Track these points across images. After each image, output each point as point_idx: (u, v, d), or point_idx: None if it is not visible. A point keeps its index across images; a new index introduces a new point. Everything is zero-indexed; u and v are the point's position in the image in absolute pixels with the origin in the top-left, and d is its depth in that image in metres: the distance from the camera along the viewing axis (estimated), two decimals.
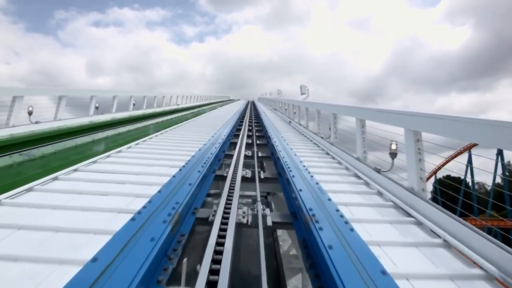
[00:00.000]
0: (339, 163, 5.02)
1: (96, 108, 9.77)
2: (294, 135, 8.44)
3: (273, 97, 24.91)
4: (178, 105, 19.08)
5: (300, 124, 9.68)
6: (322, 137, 6.72)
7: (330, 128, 6.63)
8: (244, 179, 3.99)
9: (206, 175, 3.64)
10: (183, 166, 3.51)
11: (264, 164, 5.79)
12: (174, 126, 8.47)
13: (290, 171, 3.32)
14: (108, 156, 4.53)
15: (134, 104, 12.65)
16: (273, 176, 4.17)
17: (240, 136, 7.83)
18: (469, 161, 33.51)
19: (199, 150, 4.53)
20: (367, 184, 3.82)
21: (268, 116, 13.36)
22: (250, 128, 9.88)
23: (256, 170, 4.02)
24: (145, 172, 3.66)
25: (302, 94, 11.87)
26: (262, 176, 4.00)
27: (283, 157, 4.10)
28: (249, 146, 6.86)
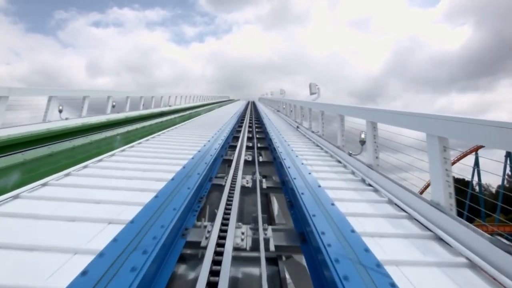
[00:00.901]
0: (390, 202, 3.15)
1: (60, 111, 7.90)
2: (306, 146, 6.55)
3: (275, 97, 23.00)
4: (170, 106, 17.21)
5: (313, 132, 7.79)
6: (350, 154, 4.83)
7: (362, 141, 4.77)
8: (238, 248, 2.17)
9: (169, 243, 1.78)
10: (115, 240, 1.62)
11: (273, 206, 3.91)
12: (153, 135, 6.60)
13: (347, 282, 1.40)
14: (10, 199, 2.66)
15: (113, 106, 10.79)
16: (291, 244, 2.28)
17: (238, 148, 5.98)
18: (476, 163, 31.94)
19: (166, 186, 2.61)
20: (475, 269, 1.94)
21: (271, 120, 11.46)
22: (251, 136, 8.02)
23: (261, 236, 2.13)
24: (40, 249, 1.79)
25: (311, 94, 10.00)
26: (272, 248, 2.14)
27: (313, 215, 2.18)
28: (248, 164, 5.00)
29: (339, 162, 5.03)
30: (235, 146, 6.25)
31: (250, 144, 6.52)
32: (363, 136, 4.88)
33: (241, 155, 5.27)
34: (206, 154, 4.17)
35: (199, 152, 4.33)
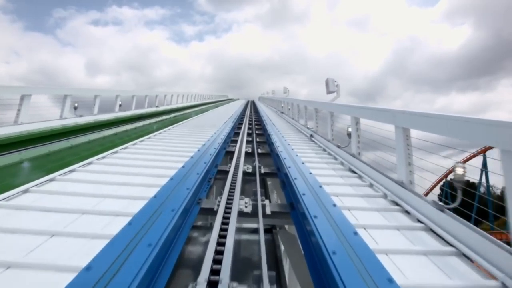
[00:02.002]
0: None
1: None
2: (337, 173, 4.23)
3: (277, 97, 20.62)
4: (157, 106, 14.88)
5: (339, 146, 5.47)
6: (442, 209, 2.53)
7: (459, 181, 2.50)
8: None
9: None
10: None
11: None
12: (103, 155, 4.32)
13: None
14: None
15: (75, 108, 8.48)
16: None
17: (231, 173, 3.76)
18: (484, 165, 30.00)
19: None
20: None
21: (276, 126, 9.12)
22: (250, 150, 5.75)
23: None
24: None
25: (329, 92, 7.70)
26: None
27: None
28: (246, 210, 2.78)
29: (419, 222, 2.74)
30: (227, 172, 4.02)
31: (249, 169, 4.25)
32: (459, 172, 2.58)
33: (236, 184, 3.04)
34: (160, 212, 1.87)
35: (149, 205, 2.02)
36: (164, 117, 10.83)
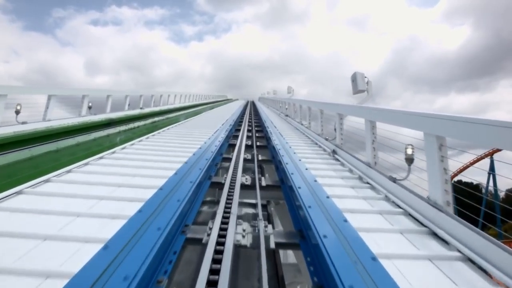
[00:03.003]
0: None
1: None
2: (415, 251, 2.22)
3: (280, 98, 18.49)
4: (142, 108, 12.80)
5: (396, 180, 3.41)
6: None
7: None
8: None
9: None
10: None
11: None
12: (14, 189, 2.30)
13: None
14: None
15: (17, 112, 6.41)
16: None
17: (211, 244, 1.77)
18: (491, 168, 28.54)
19: None
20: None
21: (284, 136, 7.04)
22: (249, 182, 3.73)
23: None
24: None
25: (357, 92, 5.62)
26: None
27: None
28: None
29: None
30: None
31: (247, 240, 2.23)
32: None
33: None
34: None
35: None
36: (139, 123, 8.64)
